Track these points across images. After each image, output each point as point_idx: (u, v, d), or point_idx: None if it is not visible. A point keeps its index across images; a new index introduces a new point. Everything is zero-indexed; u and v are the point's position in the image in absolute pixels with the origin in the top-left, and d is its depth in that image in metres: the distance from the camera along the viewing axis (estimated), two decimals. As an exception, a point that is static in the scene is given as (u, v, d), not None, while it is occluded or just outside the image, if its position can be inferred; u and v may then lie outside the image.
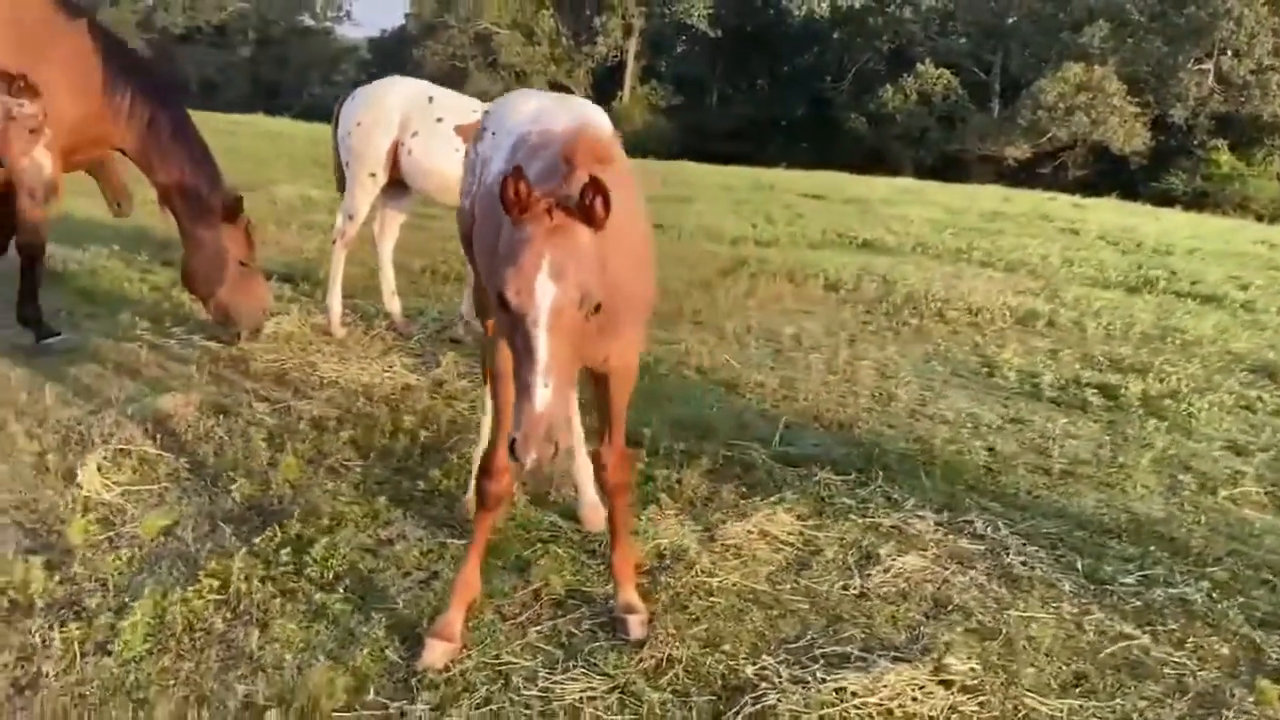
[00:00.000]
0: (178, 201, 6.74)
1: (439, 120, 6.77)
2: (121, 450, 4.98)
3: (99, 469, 4.74)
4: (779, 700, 3.45)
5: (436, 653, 3.53)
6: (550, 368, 2.76)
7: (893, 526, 4.86)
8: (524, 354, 2.80)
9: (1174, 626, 4.15)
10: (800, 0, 54.91)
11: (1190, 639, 4.06)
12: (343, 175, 7.20)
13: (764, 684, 3.54)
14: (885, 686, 3.53)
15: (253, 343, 6.82)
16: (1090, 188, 36.31)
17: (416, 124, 6.75)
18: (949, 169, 46.70)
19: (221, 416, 5.60)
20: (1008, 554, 4.64)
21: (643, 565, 4.30)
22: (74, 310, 7.78)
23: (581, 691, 3.44)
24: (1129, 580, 4.49)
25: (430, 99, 6.90)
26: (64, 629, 3.51)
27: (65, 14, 6.78)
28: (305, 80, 71.96)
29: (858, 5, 54.26)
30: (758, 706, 3.42)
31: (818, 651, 3.78)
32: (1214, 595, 4.37)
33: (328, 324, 7.33)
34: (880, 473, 5.44)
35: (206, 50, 68.81)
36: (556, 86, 58.14)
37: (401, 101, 6.89)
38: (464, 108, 7.02)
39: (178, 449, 5.17)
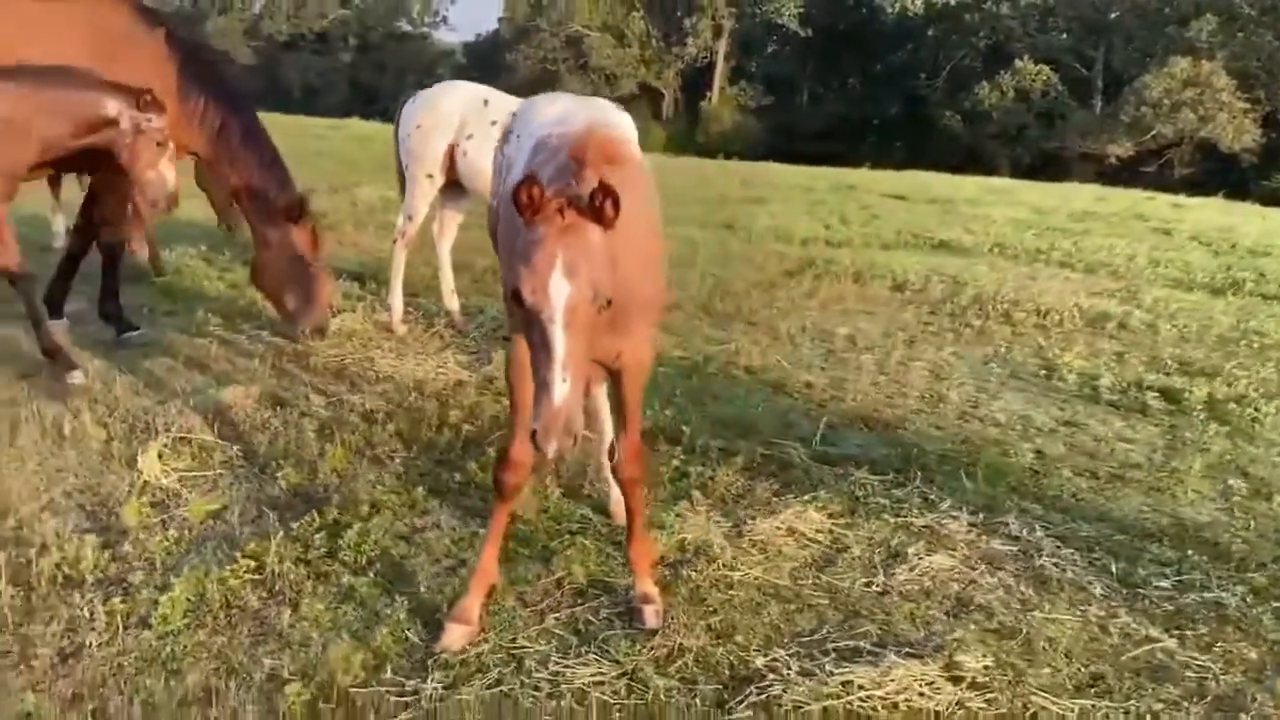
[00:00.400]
0: (246, 203, 7.07)
1: (493, 123, 6.97)
2: (181, 438, 5.28)
3: (159, 456, 5.02)
4: (785, 691, 3.53)
5: (454, 635, 3.69)
6: (567, 363, 2.89)
7: (925, 526, 4.88)
8: (540, 350, 2.93)
9: (1204, 631, 4.11)
10: (893, -3, 54.43)
11: (1219, 644, 4.02)
12: (404, 177, 7.47)
13: (772, 675, 3.62)
14: (893, 681, 3.58)
15: (317, 340, 7.10)
16: (1198, 187, 35.21)
17: (472, 127, 6.97)
18: (1048, 168, 45.78)
19: (278, 408, 5.88)
20: (1040, 556, 4.63)
21: (667, 557, 4.43)
22: (155, 307, 8.21)
23: (591, 676, 3.56)
24: (1163, 584, 4.45)
25: (486, 102, 7.11)
26: (108, 603, 3.76)
27: (145, 24, 7.14)
28: (402, 84, 73.56)
29: (953, 1, 53.47)
30: (763, 696, 3.50)
31: (830, 646, 3.84)
32: (1249, 600, 4.32)
33: (389, 321, 7.61)
34: (918, 473, 5.46)
35: (309, 56, 70.90)
36: (646, 88, 58.59)
37: (458, 105, 7.12)
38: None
39: (234, 438, 5.46)
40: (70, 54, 6.41)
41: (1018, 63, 49.54)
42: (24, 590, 3.88)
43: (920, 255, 12.88)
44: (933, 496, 5.21)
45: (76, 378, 6.14)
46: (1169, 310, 9.80)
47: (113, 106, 6.05)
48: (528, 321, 3.00)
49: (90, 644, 3.59)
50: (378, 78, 71.12)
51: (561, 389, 2.87)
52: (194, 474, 5.02)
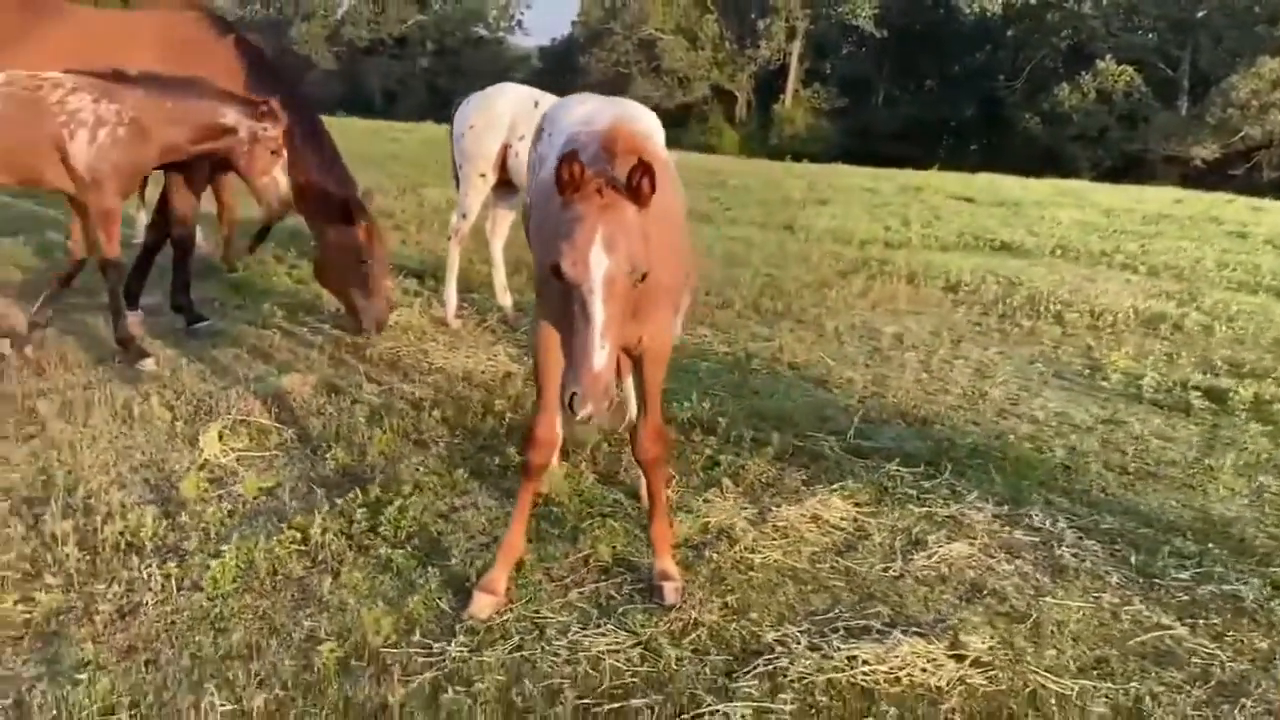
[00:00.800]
0: (306, 202, 7.42)
1: None
2: (240, 421, 5.62)
3: (219, 436, 5.36)
4: (791, 664, 3.70)
5: (481, 604, 3.93)
6: (605, 330, 3.13)
7: (948, 516, 5.01)
8: (580, 319, 3.15)
9: (1216, 620, 4.19)
10: (972, -3, 53.64)
11: (1231, 633, 4.10)
12: (459, 176, 7.76)
13: (780, 649, 3.80)
14: (897, 657, 3.74)
15: (376, 335, 7.40)
16: (1287, 190, 34.31)
17: (523, 127, 7.23)
18: (1130, 170, 44.89)
19: (333, 395, 6.20)
20: (1060, 546, 4.74)
21: (691, 539, 4.62)
22: (225, 300, 8.63)
23: (607, 645, 3.78)
24: (1182, 576, 4.53)
25: (536, 103, 7.37)
26: (164, 567, 4.07)
27: (215, 31, 7.56)
28: (478, 88, 74.47)
29: (1034, 1, 52.59)
30: (769, 668, 3.68)
31: (840, 624, 4.01)
32: (1267, 592, 4.38)
33: (444, 316, 7.92)
34: (949, 466, 5.59)
35: (388, 62, 72.20)
36: (718, 91, 58.67)
37: (510, 106, 7.40)
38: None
39: (290, 421, 5.78)
40: (144, 60, 6.82)
41: (1100, 63, 48.57)
42: (89, 554, 4.21)
43: (979, 256, 12.88)
44: (960, 488, 5.34)
45: (147, 365, 6.53)
46: (1228, 313, 9.71)
47: (232, 116, 6.48)
48: (566, 294, 3.21)
49: (146, 603, 3.90)
50: (454, 82, 72.10)
51: (600, 355, 3.11)
52: (251, 454, 5.35)
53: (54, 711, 3.23)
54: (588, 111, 4.31)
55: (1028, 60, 54.27)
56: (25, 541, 4.28)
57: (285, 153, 6.75)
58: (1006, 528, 4.93)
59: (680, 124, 59.12)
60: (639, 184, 3.18)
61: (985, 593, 4.34)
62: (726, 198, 17.85)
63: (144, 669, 3.50)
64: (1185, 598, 4.36)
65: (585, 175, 3.18)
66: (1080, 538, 4.85)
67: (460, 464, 5.29)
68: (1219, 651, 3.96)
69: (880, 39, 56.23)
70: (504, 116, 7.39)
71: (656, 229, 3.44)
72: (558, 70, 70.09)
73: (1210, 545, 4.78)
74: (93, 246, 6.53)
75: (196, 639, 3.70)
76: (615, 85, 59.64)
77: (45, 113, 6.11)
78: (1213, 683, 3.77)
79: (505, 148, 7.39)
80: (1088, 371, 7.59)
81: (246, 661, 3.58)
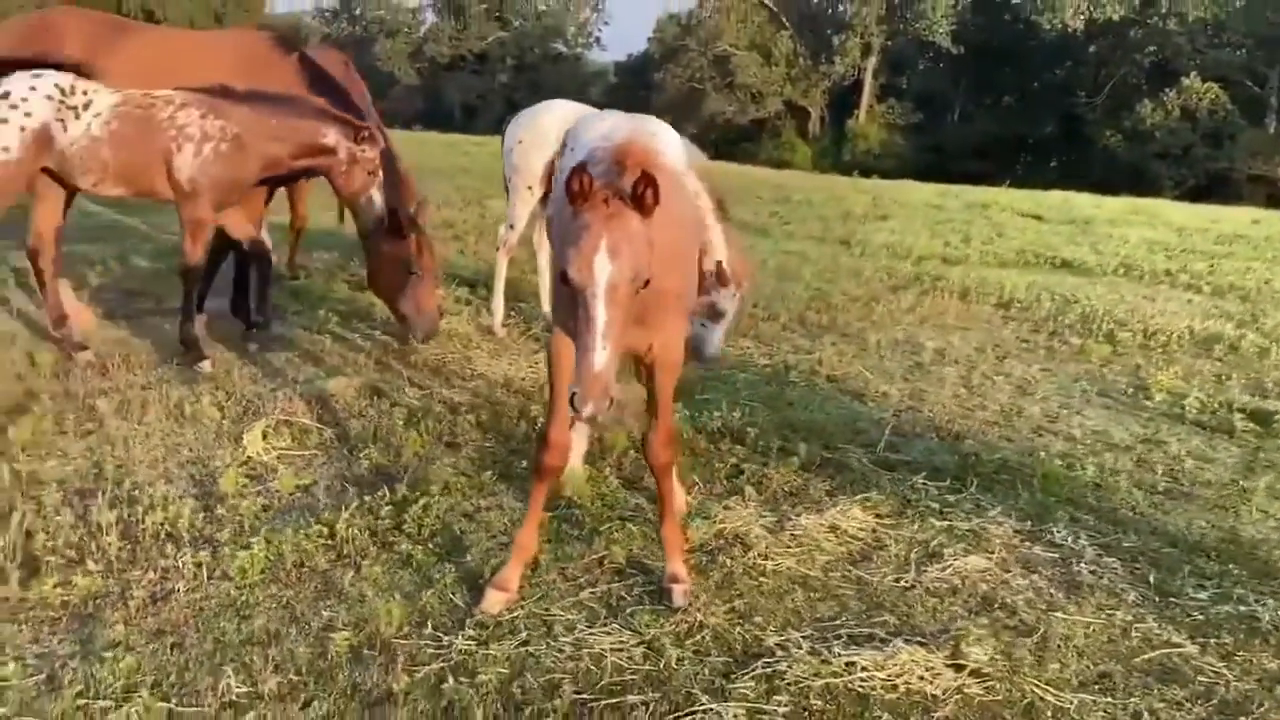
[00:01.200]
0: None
1: None
2: (284, 421, 5.84)
3: (263, 435, 5.58)
4: (789, 668, 3.76)
5: (493, 600, 4.06)
6: (606, 333, 3.25)
7: (969, 530, 5.02)
8: (584, 321, 3.28)
9: (1228, 640, 4.15)
10: (1052, 13, 52.65)
11: (1241, 653, 4.07)
12: (509, 189, 7.95)
13: (781, 653, 3.87)
14: (895, 664, 3.78)
15: (426, 343, 7.58)
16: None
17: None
18: (1215, 189, 43.74)
19: (375, 398, 6.41)
20: (1079, 563, 4.72)
21: (707, 544, 4.70)
22: (285, 306, 8.91)
23: (611, 644, 3.88)
24: (1200, 596, 4.50)
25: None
26: (197, 557, 4.28)
27: (281, 49, 7.87)
28: (552, 103, 75.47)
29: (1116, 17, 51.57)
30: (767, 670, 3.75)
31: (844, 631, 4.06)
32: (1284, 614, 4.33)
33: (491, 324, 8.10)
34: (975, 481, 5.59)
35: (468, 77, 73.38)
36: (792, 106, 58.55)
37: (557, 122, 7.54)
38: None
39: (332, 423, 5.99)
40: (220, 76, 7.15)
41: (1184, 80, 47.47)
42: (130, 543, 4.43)
43: (1038, 274, 12.74)
44: (985, 503, 5.34)
45: (204, 367, 6.81)
46: (1289, 335, 9.50)
47: (332, 136, 6.78)
48: (573, 298, 3.34)
49: (178, 590, 4.10)
50: (532, 97, 72.76)
51: (601, 355, 3.22)
52: (291, 452, 5.56)
53: (80, 686, 3.42)
54: (607, 128, 4.45)
55: (1110, 77, 53.26)
56: (73, 530, 4.51)
57: (381, 174, 6.99)
58: (1026, 543, 4.92)
59: (753, 139, 59.15)
60: (643, 194, 3.29)
61: (996, 606, 4.35)
62: (787, 212, 17.87)
63: (169, 651, 3.69)
64: (1200, 617, 4.32)
65: (593, 186, 3.31)
66: (1100, 555, 4.82)
67: (490, 466, 5.44)
68: (1226, 671, 3.93)
69: (957, 55, 55.58)
70: (550, 132, 7.54)
71: (663, 236, 3.54)
72: (633, 86, 70.63)
73: (1231, 566, 4.74)
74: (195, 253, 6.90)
75: (221, 625, 3.88)
76: (689, 101, 60.00)
77: (157, 128, 6.49)
78: (1214, 701, 3.75)
79: (552, 162, 7.54)
80: (1131, 391, 7.50)
81: (265, 647, 3.75)
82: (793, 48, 58.12)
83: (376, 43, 73.66)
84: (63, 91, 6.41)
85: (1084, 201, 24.88)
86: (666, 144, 4.41)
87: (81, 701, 3.36)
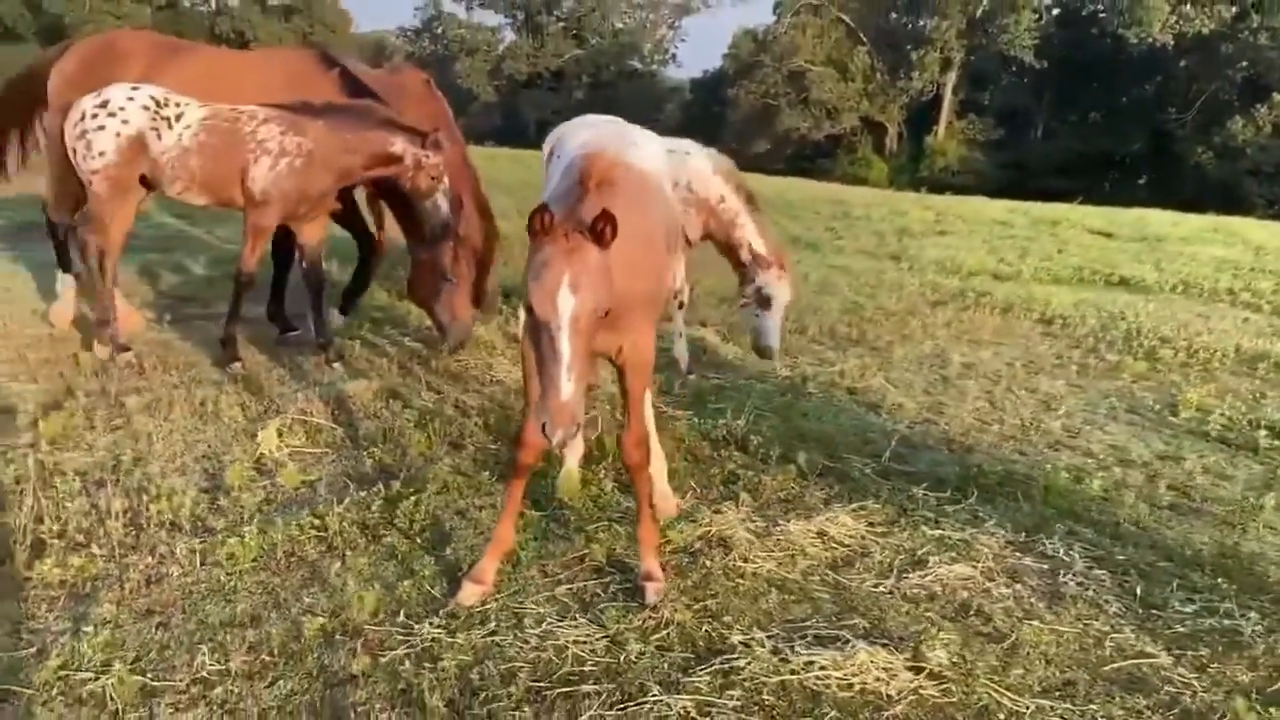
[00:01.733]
0: (400, 222, 7.94)
1: None
2: (298, 420, 6.09)
3: (278, 433, 5.84)
4: (748, 664, 3.85)
5: (468, 592, 4.22)
6: (571, 365, 3.40)
7: (960, 540, 5.04)
8: (549, 353, 3.43)
9: (1205, 652, 4.14)
10: (1140, 28, 51.59)
11: (1215, 665, 4.05)
12: (544, 198, 8.13)
13: (743, 650, 3.96)
14: (854, 665, 3.85)
15: (458, 351, 7.79)
16: None
17: None
18: (1311, 207, 42.43)
19: (391, 400, 6.64)
20: (1066, 574, 4.72)
21: (690, 546, 4.80)
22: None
23: (576, 637, 4.00)
24: (1186, 609, 4.47)
25: None
26: (192, 544, 4.52)
27: (324, 66, 8.22)
28: (630, 118, 75.47)
29: (1206, 31, 50.37)
30: (725, 666, 3.85)
31: (811, 633, 4.13)
32: (1265, 628, 4.29)
33: (516, 332, 8.30)
34: (976, 492, 5.61)
35: (545, 94, 74.38)
36: (868, 122, 58.21)
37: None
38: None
39: (346, 422, 6.23)
40: (268, 91, 7.53)
41: (1276, 96, 46.17)
42: (135, 529, 4.69)
43: (1090, 291, 12.58)
44: (982, 514, 5.35)
45: (235, 368, 7.12)
46: (1342, 355, 9.25)
47: (399, 144, 7.05)
48: (537, 328, 3.50)
49: (172, 574, 4.33)
50: (608, 112, 73.56)
51: (567, 387, 3.38)
52: (303, 449, 5.80)
53: (64, 659, 3.66)
54: (587, 137, 4.60)
55: (1200, 92, 51.98)
56: (85, 516, 4.79)
57: (446, 180, 7.24)
58: (1017, 554, 4.93)
59: (828, 155, 58.98)
60: (602, 231, 3.42)
61: (971, 613, 4.38)
62: (844, 227, 17.85)
63: (154, 630, 3.92)
64: (1181, 629, 4.31)
65: (554, 223, 3.45)
66: (1091, 567, 4.81)
67: (489, 467, 5.62)
68: (1195, 682, 3.92)
69: (1040, 70, 54.76)
70: (576, 145, 7.71)
71: (626, 248, 3.65)
72: (708, 101, 70.91)
73: (1221, 581, 4.69)
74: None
75: (206, 607, 4.10)
76: (763, 117, 60.02)
77: (240, 142, 6.90)
78: (1177, 710, 3.75)
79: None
80: (1159, 408, 7.41)
81: (244, 629, 3.95)
82: (870, 63, 57.86)
83: (457, 61, 75.13)
84: (157, 103, 6.85)
85: (1161, 219, 24.33)
86: (645, 154, 4.53)
87: (63, 672, 3.59)
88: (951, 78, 57.53)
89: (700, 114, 68.91)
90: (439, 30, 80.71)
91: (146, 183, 7.07)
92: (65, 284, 8.17)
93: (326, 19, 76.05)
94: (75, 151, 6.89)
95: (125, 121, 6.78)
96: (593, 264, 3.43)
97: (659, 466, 5.25)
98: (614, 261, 3.56)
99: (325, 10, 76.77)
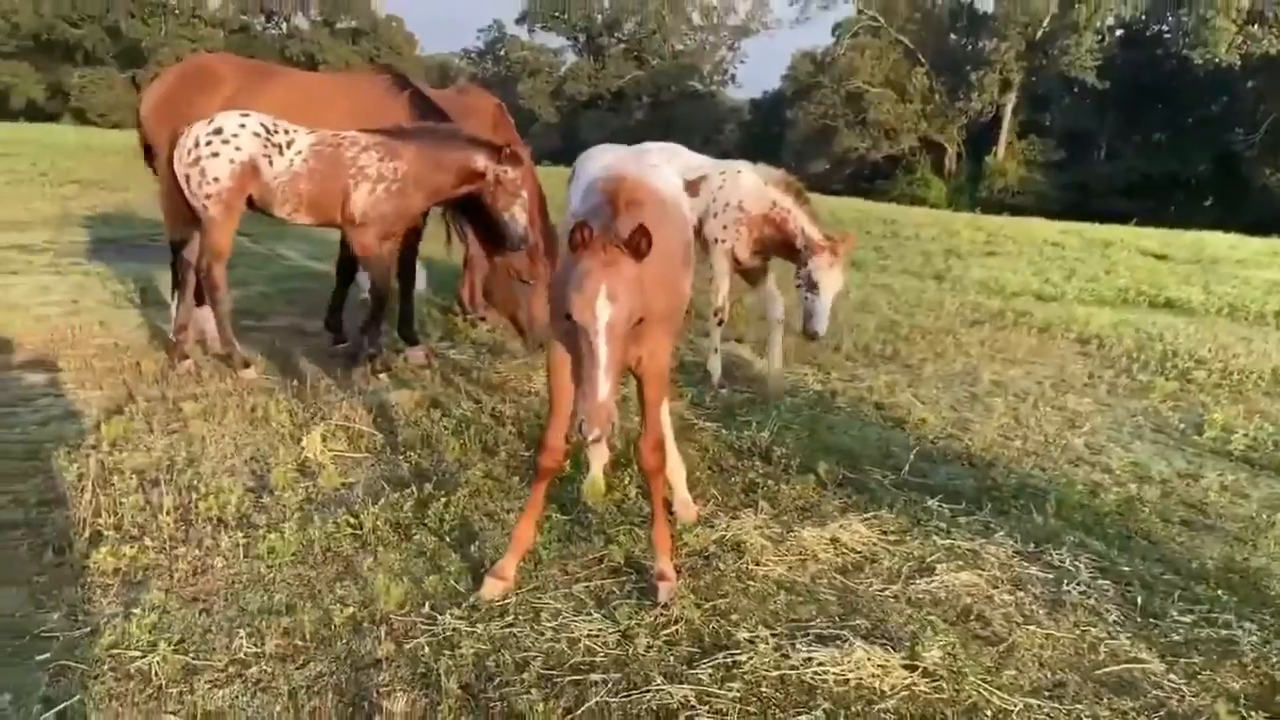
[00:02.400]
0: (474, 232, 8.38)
1: None
2: (342, 425, 6.42)
3: (322, 438, 6.15)
4: (750, 659, 4.06)
5: (491, 587, 4.48)
6: (608, 368, 3.69)
7: (969, 549, 5.19)
8: (586, 357, 3.72)
9: (1198, 660, 4.26)
10: (1205, 49, 50.87)
11: (1206, 672, 4.17)
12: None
13: (746, 646, 4.16)
14: (850, 661, 4.04)
15: (537, 352, 8.06)
16: None
17: None
18: (1380, 232, 41.44)
19: (431, 408, 6.94)
20: (1070, 583, 4.86)
21: (705, 549, 5.02)
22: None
23: (589, 630, 4.24)
24: (1185, 619, 4.59)
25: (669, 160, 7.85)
26: (235, 538, 4.84)
27: (396, 88, 8.62)
28: (689, 141, 76.10)
29: (1274, 51, 49.51)
30: (728, 659, 4.06)
31: (814, 631, 4.33)
32: (1262, 639, 4.40)
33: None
34: (990, 504, 5.75)
35: (605, 114, 75.13)
36: (926, 142, 57.98)
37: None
38: (692, 165, 7.93)
39: (387, 429, 6.54)
40: (347, 112, 7.98)
41: (1347, 116, 45.28)
42: (184, 524, 5.03)
43: (1133, 312, 12.58)
44: (994, 525, 5.50)
45: (248, 374, 7.49)
46: (1380, 379, 9.20)
47: (481, 161, 7.39)
48: (575, 334, 3.78)
49: (216, 565, 4.65)
50: (666, 135, 74.23)
51: (603, 387, 3.66)
52: (345, 454, 6.11)
53: (115, 638, 3.97)
54: (609, 161, 4.87)
55: (1268, 113, 51.08)
56: (140, 511, 5.12)
57: (525, 194, 7.54)
58: (1024, 563, 5.07)
59: (887, 175, 58.85)
60: (638, 244, 3.72)
61: (972, 617, 4.54)
62: (891, 247, 17.96)
63: (198, 615, 4.22)
64: (1178, 638, 4.43)
65: (593, 237, 3.73)
66: (1096, 577, 4.94)
67: (519, 472, 5.88)
68: (1185, 687, 4.05)
69: (1103, 90, 54.19)
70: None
71: (650, 264, 3.92)
72: (767, 122, 71.09)
73: (1221, 593, 4.79)
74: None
75: (246, 596, 4.40)
76: (822, 137, 60.10)
77: (342, 166, 7.27)
78: (1162, 713, 3.88)
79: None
80: (1185, 427, 7.47)
81: (280, 616, 4.24)
82: (928, 84, 57.73)
83: (520, 82, 76.23)
84: (267, 130, 7.23)
85: (1219, 241, 24.07)
86: (662, 176, 4.79)
87: (114, 651, 3.91)
88: (1011, 98, 57.19)
89: (759, 134, 69.15)
90: (502, 52, 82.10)
91: (253, 205, 7.43)
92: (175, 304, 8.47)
93: (393, 41, 77.79)
94: (189, 179, 7.18)
95: (238, 149, 7.12)
96: (628, 275, 3.72)
97: (679, 474, 5.49)
98: (645, 277, 3.83)
99: (392, 33, 78.51)
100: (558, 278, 4.64)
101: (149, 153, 8.38)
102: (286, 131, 7.30)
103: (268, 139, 7.19)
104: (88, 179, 21.23)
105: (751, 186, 7.49)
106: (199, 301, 8.16)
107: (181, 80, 8.45)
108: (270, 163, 7.18)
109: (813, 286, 7.17)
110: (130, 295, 10.07)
